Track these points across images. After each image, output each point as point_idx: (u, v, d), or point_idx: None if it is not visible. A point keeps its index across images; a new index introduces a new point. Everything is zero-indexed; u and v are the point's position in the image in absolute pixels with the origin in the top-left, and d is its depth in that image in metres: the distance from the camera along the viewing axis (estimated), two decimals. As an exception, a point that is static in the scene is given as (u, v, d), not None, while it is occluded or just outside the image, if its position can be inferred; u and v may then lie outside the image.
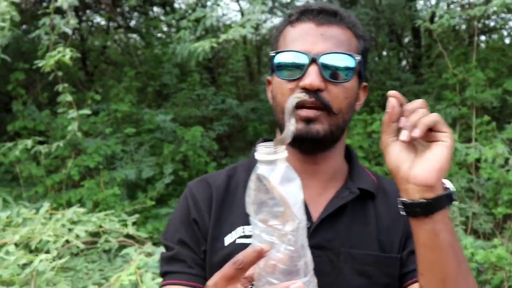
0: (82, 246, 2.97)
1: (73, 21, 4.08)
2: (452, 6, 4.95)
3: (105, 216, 3.30)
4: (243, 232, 1.14)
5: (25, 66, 5.52)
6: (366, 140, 5.44)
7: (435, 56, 6.67)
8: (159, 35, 7.59)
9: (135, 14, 7.97)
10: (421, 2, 7.47)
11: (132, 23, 8.12)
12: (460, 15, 4.55)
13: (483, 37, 7.37)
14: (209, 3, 5.98)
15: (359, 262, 1.13)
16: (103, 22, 8.14)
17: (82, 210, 3.22)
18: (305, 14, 1.17)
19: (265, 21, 8.12)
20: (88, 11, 7.62)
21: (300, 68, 1.11)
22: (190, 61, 5.16)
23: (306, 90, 1.09)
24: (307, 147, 1.16)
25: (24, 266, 2.75)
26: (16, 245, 2.96)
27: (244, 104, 6.82)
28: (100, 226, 3.30)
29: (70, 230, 2.98)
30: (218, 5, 5.72)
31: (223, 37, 4.35)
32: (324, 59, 1.10)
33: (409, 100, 0.98)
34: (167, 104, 6.69)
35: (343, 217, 1.17)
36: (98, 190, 4.97)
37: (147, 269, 2.70)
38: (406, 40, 8.50)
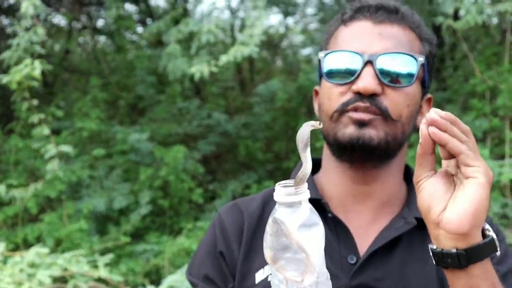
0: (45, 294, 2.95)
1: (41, 31, 4.13)
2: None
3: (71, 257, 3.28)
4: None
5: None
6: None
7: (461, 57, 6.73)
8: (132, 37, 7.62)
9: (103, 12, 8.01)
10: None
11: (100, 23, 8.15)
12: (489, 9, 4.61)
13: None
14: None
15: None
16: (64, 22, 8.17)
17: (45, 250, 3.20)
18: (361, 11, 1.20)
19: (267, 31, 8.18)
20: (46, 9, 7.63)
21: (353, 72, 1.13)
22: (184, 82, 5.17)
23: (359, 94, 1.11)
24: (357, 158, 1.16)
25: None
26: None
27: (234, 119, 6.85)
28: (66, 269, 3.29)
29: (30, 275, 2.96)
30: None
31: (223, 59, 4.39)
32: (381, 61, 1.12)
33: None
34: (143, 120, 6.70)
35: (396, 252, 1.16)
36: (60, 225, 4.93)
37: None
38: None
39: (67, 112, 6.21)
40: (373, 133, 1.12)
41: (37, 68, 3.72)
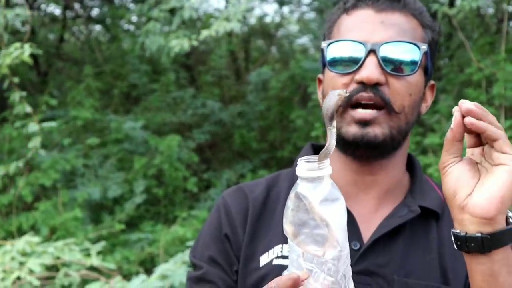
0: (37, 283, 2.92)
1: (25, 12, 4.06)
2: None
3: (63, 246, 3.26)
4: (281, 251, 1.16)
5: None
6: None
7: (456, 47, 6.70)
8: (126, 26, 7.57)
9: (98, 1, 7.95)
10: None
11: (94, 12, 8.10)
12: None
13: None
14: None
15: None
16: (58, 11, 8.11)
17: (36, 239, 3.17)
18: None
19: (252, 9, 8.14)
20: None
21: (356, 61, 1.13)
22: (162, 57, 5.14)
23: (362, 84, 1.11)
24: (362, 154, 1.17)
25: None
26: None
27: (229, 108, 6.83)
28: (58, 258, 3.26)
29: (21, 264, 2.94)
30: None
31: (204, 33, 4.34)
32: (384, 49, 1.12)
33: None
34: (137, 109, 6.68)
35: (399, 239, 1.17)
36: (55, 213, 4.92)
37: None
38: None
39: (61, 101, 6.17)
40: (378, 131, 1.12)
41: (26, 51, 3.64)
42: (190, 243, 3.51)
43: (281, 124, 6.77)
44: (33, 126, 3.93)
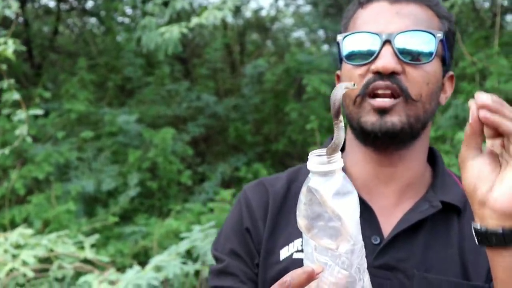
0: (31, 274, 2.91)
1: (15, 4, 4.03)
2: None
3: (57, 238, 3.26)
4: (302, 245, 1.15)
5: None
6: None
7: (451, 41, 6.70)
8: (121, 19, 7.54)
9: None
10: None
11: (88, 5, 8.06)
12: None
13: (508, 18, 7.41)
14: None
15: None
16: (52, 4, 8.07)
17: (29, 231, 3.16)
18: None
19: (248, 2, 8.12)
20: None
21: (372, 53, 1.14)
22: (158, 52, 5.13)
23: (379, 74, 1.12)
24: (381, 144, 1.17)
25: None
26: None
27: (224, 101, 6.80)
28: (52, 250, 3.26)
29: (14, 256, 2.94)
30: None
31: (194, 21, 4.32)
32: (400, 39, 1.13)
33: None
34: (131, 102, 6.64)
35: (419, 234, 1.17)
36: (48, 206, 4.90)
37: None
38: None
39: (54, 93, 6.15)
40: (396, 119, 1.12)
41: (10, 47, 3.58)
42: (184, 236, 3.51)
43: (276, 117, 6.75)
44: (20, 114, 3.89)
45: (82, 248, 3.46)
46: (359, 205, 0.87)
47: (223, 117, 6.61)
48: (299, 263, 1.11)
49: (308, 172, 1.28)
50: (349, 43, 1.18)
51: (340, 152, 0.86)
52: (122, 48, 6.86)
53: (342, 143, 0.86)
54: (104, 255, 3.72)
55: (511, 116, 0.90)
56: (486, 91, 4.04)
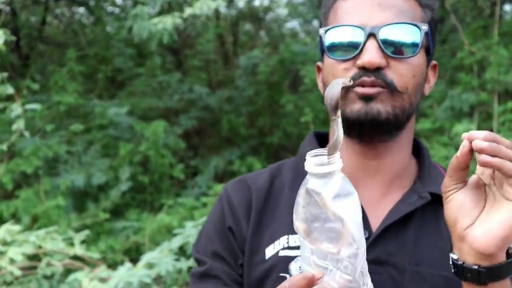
0: (18, 272, 2.90)
1: None
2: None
3: (46, 234, 3.24)
4: (288, 242, 1.15)
5: None
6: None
7: (448, 31, 6.69)
8: (110, 9, 7.50)
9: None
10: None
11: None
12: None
13: (507, 7, 7.41)
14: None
15: (428, 284, 1.12)
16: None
17: (17, 227, 3.15)
18: None
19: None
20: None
21: (356, 46, 1.13)
22: (150, 42, 5.12)
23: (364, 69, 1.11)
24: (366, 135, 1.16)
25: None
26: None
27: (216, 93, 6.78)
28: (40, 247, 3.25)
29: (2, 253, 2.93)
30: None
31: (188, 11, 4.30)
32: (384, 32, 1.12)
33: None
34: (122, 94, 6.62)
35: (409, 227, 1.16)
36: (37, 201, 4.89)
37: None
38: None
39: (43, 85, 6.10)
40: (381, 107, 1.11)
41: (0, 37, 3.55)
42: (177, 232, 3.50)
43: (270, 109, 6.74)
44: (16, 108, 3.86)
45: (71, 244, 3.46)
46: (360, 207, 0.86)
47: (216, 109, 6.58)
48: (285, 261, 1.12)
49: (290, 166, 1.27)
50: (331, 37, 1.17)
51: (339, 152, 0.85)
52: (112, 38, 6.83)
53: (342, 140, 0.85)
54: (94, 252, 3.72)
55: (509, 154, 0.89)
56: (485, 82, 4.05)
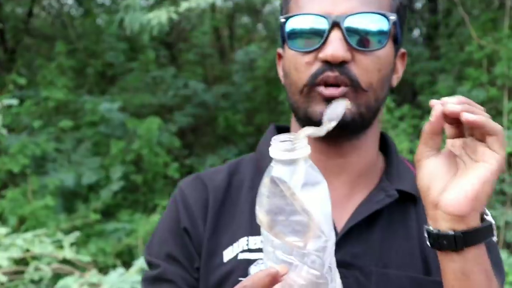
0: (3, 278, 2.89)
1: None
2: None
3: (34, 237, 3.23)
4: (247, 244, 1.12)
5: None
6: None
7: (456, 24, 6.70)
8: (101, 0, 7.49)
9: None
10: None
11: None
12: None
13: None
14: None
15: (396, 287, 1.10)
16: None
17: (3, 230, 3.15)
18: None
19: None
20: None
21: (319, 36, 1.08)
22: (142, 35, 5.11)
23: (327, 63, 1.07)
24: (330, 135, 1.08)
25: None
26: None
27: (213, 89, 6.78)
28: (28, 250, 3.22)
29: (-13, 257, 2.90)
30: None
31: (184, 5, 4.29)
32: (350, 22, 1.08)
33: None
34: (114, 89, 6.61)
35: (376, 227, 1.14)
36: (24, 201, 4.89)
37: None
38: (419, 4, 8.54)
39: (30, 80, 6.09)
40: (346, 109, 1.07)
41: None
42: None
43: (268, 106, 6.76)
44: None
45: (61, 247, 3.44)
46: (329, 196, 0.84)
47: (212, 106, 6.58)
48: (245, 264, 1.09)
49: (249, 162, 1.24)
50: (292, 26, 1.12)
51: (306, 138, 0.82)
52: (103, 31, 6.84)
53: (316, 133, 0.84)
54: (85, 255, 3.71)
55: (484, 114, 0.91)
56: (495, 77, 3.99)
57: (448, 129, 0.96)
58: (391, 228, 1.15)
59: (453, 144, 0.96)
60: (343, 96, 1.07)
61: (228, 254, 1.13)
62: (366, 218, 1.12)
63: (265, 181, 0.81)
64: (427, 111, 5.17)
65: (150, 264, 1.20)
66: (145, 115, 6.01)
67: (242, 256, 1.11)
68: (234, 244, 1.13)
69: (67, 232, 4.30)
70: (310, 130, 0.82)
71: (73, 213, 5.07)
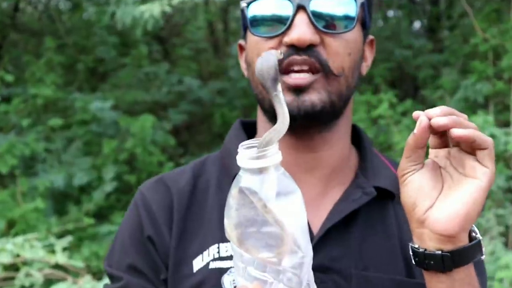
0: (-8, 285, 2.85)
1: None
2: None
3: (24, 242, 3.21)
4: (218, 252, 1.09)
5: None
6: (370, 127, 5.43)
7: (459, 16, 6.70)
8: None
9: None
10: None
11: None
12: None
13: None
14: None
15: None
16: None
17: (-8, 234, 3.10)
18: None
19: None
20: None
21: (284, 20, 1.07)
22: (135, 29, 5.09)
23: (293, 47, 1.05)
24: (299, 128, 1.09)
25: None
26: None
27: (208, 85, 6.76)
28: (18, 255, 3.22)
29: (-26, 263, 2.89)
30: None
31: None
32: (315, 4, 1.06)
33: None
34: (105, 86, 6.58)
35: (354, 227, 1.12)
36: (13, 204, 4.87)
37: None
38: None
39: (18, 77, 6.05)
40: (315, 98, 1.07)
41: None
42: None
43: (266, 102, 6.74)
44: None
45: (52, 252, 3.44)
46: (304, 208, 0.81)
47: (208, 102, 6.57)
48: (217, 274, 1.07)
49: (215, 161, 1.21)
50: (255, 10, 1.11)
51: (277, 142, 0.80)
52: (93, 25, 6.81)
53: (288, 125, 0.80)
54: (77, 260, 3.73)
55: (471, 125, 0.90)
56: (502, 70, 3.96)
57: (432, 139, 0.95)
58: (369, 227, 1.13)
59: (437, 154, 0.96)
60: (311, 84, 1.05)
61: (198, 263, 1.09)
62: (343, 218, 1.10)
63: (233, 192, 0.78)
64: (431, 106, 5.18)
65: (111, 276, 1.15)
66: (138, 112, 5.99)
67: (213, 265, 1.08)
68: (204, 253, 1.10)
69: (59, 235, 4.30)
70: (275, 135, 0.78)
71: (64, 215, 5.05)
